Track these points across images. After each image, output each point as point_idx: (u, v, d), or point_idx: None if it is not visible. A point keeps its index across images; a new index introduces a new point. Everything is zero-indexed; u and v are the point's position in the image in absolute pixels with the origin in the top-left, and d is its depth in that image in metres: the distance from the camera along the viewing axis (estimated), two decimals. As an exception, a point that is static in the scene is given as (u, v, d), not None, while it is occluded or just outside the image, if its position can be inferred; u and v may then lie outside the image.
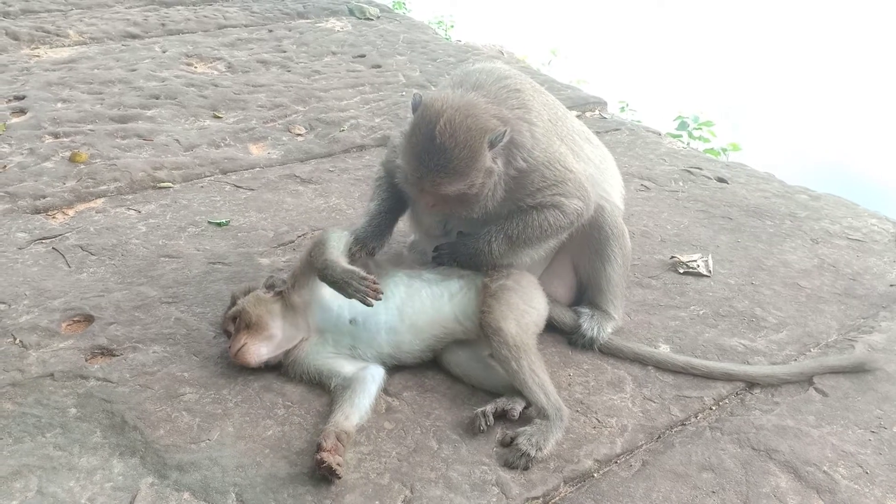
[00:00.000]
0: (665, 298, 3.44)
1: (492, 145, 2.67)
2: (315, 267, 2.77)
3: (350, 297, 2.69)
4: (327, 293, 2.82)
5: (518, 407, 2.64)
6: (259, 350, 2.76)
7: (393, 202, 3.09)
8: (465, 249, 2.93)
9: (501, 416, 2.63)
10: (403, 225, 3.54)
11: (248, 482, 2.37)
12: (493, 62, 3.80)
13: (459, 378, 2.84)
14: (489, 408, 2.62)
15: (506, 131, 2.68)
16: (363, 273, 2.70)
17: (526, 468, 2.46)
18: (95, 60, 5.89)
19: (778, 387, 2.94)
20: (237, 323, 2.78)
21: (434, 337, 2.84)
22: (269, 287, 2.89)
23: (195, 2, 7.52)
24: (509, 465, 2.47)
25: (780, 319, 3.33)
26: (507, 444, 2.55)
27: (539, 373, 2.67)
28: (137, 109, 5.08)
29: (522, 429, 2.56)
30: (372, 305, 2.68)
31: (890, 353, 3.14)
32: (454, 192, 2.70)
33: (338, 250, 2.80)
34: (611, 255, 3.09)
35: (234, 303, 2.88)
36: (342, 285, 2.69)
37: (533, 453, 2.47)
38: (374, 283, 2.67)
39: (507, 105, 2.80)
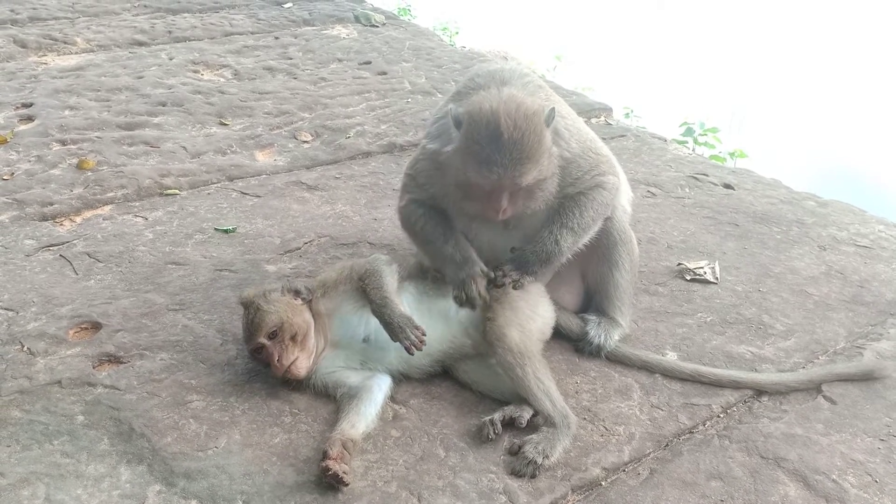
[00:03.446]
0: (672, 305, 3.43)
1: (548, 123, 2.72)
2: (371, 299, 2.75)
3: (396, 341, 2.68)
4: (348, 310, 2.82)
5: (526, 415, 2.63)
6: (308, 362, 2.73)
7: (446, 227, 2.97)
8: (533, 258, 2.85)
9: (509, 424, 2.63)
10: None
11: (255, 490, 2.37)
12: (506, 62, 3.82)
13: (468, 385, 2.83)
14: (497, 416, 2.61)
15: (553, 108, 2.73)
16: (416, 323, 2.71)
17: (533, 476, 2.46)
18: (102, 68, 5.92)
19: (786, 394, 2.92)
20: (278, 335, 2.69)
21: (442, 352, 2.83)
22: (296, 293, 2.81)
23: (202, 9, 7.55)
24: (516, 474, 2.47)
25: (788, 327, 3.32)
26: (515, 452, 2.54)
27: (545, 380, 2.66)
28: (144, 116, 5.10)
29: (529, 437, 2.55)
30: (413, 355, 2.68)
31: (899, 360, 3.12)
32: (531, 180, 2.68)
33: (394, 287, 2.81)
34: (618, 260, 3.09)
35: (254, 309, 2.72)
36: (396, 329, 2.68)
37: (540, 461, 2.47)
38: (423, 334, 2.69)
39: (536, 98, 2.85)
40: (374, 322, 2.74)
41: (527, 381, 2.64)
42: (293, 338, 2.70)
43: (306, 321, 2.75)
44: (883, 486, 2.52)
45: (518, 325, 2.74)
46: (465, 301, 2.81)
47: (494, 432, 2.58)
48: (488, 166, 2.64)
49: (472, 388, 2.82)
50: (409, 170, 3.08)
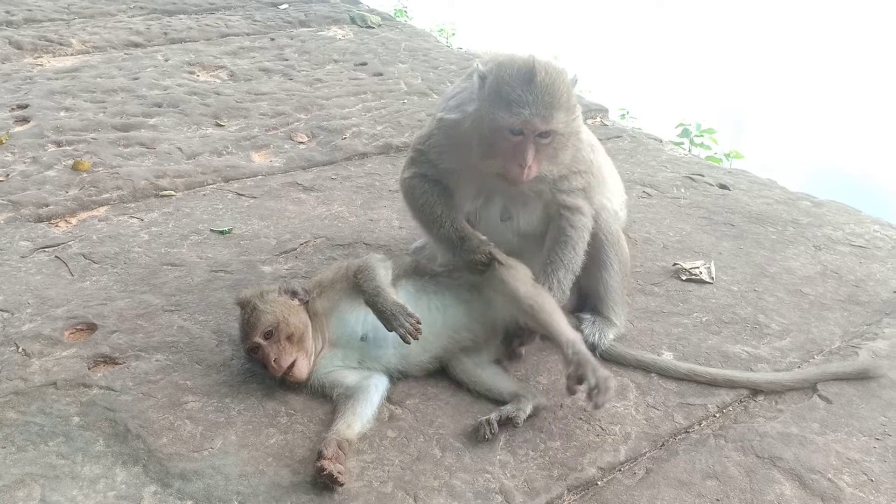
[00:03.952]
0: (668, 305, 3.43)
1: (573, 84, 2.79)
2: (364, 290, 2.74)
3: (391, 330, 2.68)
4: (346, 309, 2.82)
5: (522, 414, 2.63)
6: (308, 364, 2.72)
7: (448, 205, 2.97)
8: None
9: (506, 423, 2.63)
10: (407, 231, 3.54)
11: (251, 490, 2.36)
12: None
13: (464, 384, 2.83)
14: (493, 416, 2.61)
15: (575, 75, 2.80)
16: (410, 310, 2.70)
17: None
18: (98, 69, 5.91)
19: (782, 394, 2.92)
20: (274, 335, 2.69)
21: (441, 348, 2.84)
22: (293, 294, 2.82)
23: (197, 10, 7.54)
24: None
25: (784, 326, 3.32)
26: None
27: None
28: (140, 118, 5.09)
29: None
30: (410, 343, 2.68)
31: (894, 359, 3.12)
32: (559, 125, 2.70)
33: (387, 280, 2.81)
34: (607, 261, 3.10)
35: (250, 309, 2.74)
36: (389, 317, 2.67)
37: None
38: (418, 322, 2.68)
39: None
40: (372, 320, 2.74)
41: (545, 309, 2.76)
42: (289, 338, 2.69)
43: (303, 321, 2.75)
44: (878, 485, 2.52)
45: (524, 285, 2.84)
46: (478, 269, 2.86)
47: (491, 432, 2.58)
48: (519, 105, 2.65)
49: (469, 388, 2.82)
50: (420, 145, 3.04)
